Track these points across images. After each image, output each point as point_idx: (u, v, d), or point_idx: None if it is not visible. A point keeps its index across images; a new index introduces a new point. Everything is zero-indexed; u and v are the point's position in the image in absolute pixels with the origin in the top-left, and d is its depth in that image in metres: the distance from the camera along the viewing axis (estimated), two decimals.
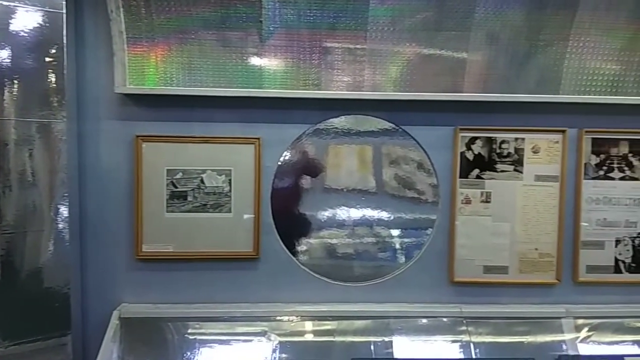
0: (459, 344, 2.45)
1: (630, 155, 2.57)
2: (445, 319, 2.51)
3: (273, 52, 2.34)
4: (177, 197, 2.41)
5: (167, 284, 2.47)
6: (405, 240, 2.58)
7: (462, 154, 2.52)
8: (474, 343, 2.46)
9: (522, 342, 2.48)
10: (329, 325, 2.47)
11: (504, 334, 2.49)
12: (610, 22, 2.35)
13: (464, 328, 2.47)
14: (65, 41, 2.19)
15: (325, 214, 2.52)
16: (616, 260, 2.58)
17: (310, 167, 2.51)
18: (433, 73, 2.41)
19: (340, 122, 2.49)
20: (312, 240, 2.54)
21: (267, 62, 2.36)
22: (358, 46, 2.35)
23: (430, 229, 2.55)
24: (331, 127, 2.49)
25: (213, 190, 2.42)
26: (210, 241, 2.44)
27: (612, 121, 2.55)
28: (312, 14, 2.29)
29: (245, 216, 2.45)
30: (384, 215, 2.55)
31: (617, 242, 2.58)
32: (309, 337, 2.48)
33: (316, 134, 2.49)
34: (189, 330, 2.40)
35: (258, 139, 2.44)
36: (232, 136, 2.43)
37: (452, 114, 2.49)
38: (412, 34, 2.33)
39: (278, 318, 2.46)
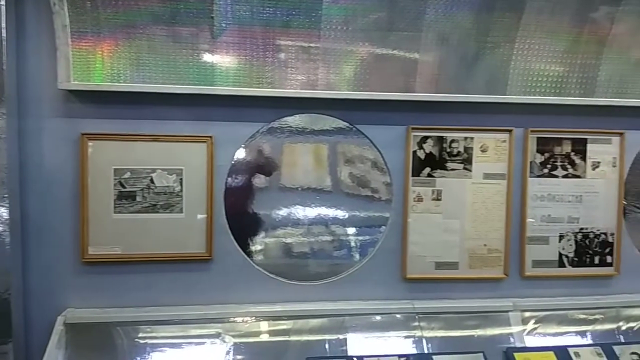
0: (412, 339, 2.49)
1: (572, 153, 2.68)
2: (398, 315, 2.54)
3: (225, 49, 2.30)
4: (125, 198, 2.33)
5: (116, 287, 2.39)
6: (360, 238, 2.60)
7: (414, 152, 2.56)
8: (426, 338, 2.51)
9: (472, 335, 2.55)
10: (284, 325, 2.46)
11: (455, 329, 2.55)
12: (554, 25, 2.44)
13: (416, 324, 2.52)
14: (4, 34, 2.08)
15: (281, 213, 2.51)
16: (560, 254, 2.69)
17: (264, 166, 2.48)
18: (386, 73, 2.44)
19: (294, 120, 2.48)
20: (267, 240, 2.51)
21: (219, 59, 2.32)
22: (312, 45, 2.35)
23: (384, 227, 2.58)
24: (285, 125, 2.48)
25: (163, 190, 2.36)
26: (161, 242, 2.37)
27: (556, 121, 2.66)
28: (265, 11, 2.26)
29: (198, 216, 2.40)
30: (339, 213, 2.56)
31: (561, 237, 2.69)
32: (264, 337, 2.46)
33: (270, 132, 2.47)
34: (139, 335, 2.33)
35: (210, 137, 2.39)
36: (183, 134, 2.37)
37: (404, 114, 2.53)
38: (365, 34, 2.35)
39: (232, 319, 2.42)
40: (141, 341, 2.32)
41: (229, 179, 2.44)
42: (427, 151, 2.57)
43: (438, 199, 2.59)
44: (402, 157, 2.56)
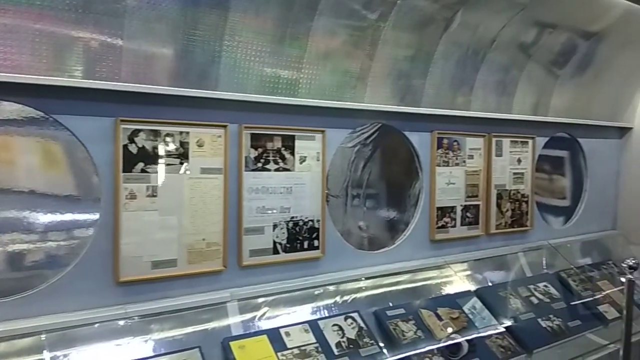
0: (126, 345, 2.33)
1: (283, 149, 2.89)
2: (111, 323, 2.35)
3: None
4: None
5: None
6: (63, 243, 2.32)
7: (125, 147, 2.39)
8: (145, 341, 2.38)
9: (192, 331, 2.52)
10: None
11: (173, 328, 2.48)
12: (260, 25, 2.58)
13: (131, 329, 2.36)
14: None
15: None
16: (274, 242, 2.88)
17: None
18: (88, 58, 2.21)
19: None
20: None
21: None
22: None
23: (92, 229, 2.35)
24: None
25: None
26: None
27: (268, 118, 2.83)
28: None
29: None
30: (36, 217, 2.23)
31: (275, 226, 2.88)
32: None
33: None
34: None
35: None
36: None
37: (112, 105, 2.34)
38: (55, 12, 2.07)
39: None
40: None
41: None
42: (140, 145, 2.44)
43: (154, 196, 2.48)
44: (111, 151, 2.36)
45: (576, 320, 3.61)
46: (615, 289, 3.97)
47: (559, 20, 3.66)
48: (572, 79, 4.22)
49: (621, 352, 2.98)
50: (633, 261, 2.99)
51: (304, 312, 2.88)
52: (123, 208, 2.40)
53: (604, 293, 4.00)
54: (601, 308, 3.82)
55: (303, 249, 3.00)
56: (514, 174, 4.07)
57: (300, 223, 2.98)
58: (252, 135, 2.78)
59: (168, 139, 2.51)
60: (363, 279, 3.20)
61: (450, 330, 3.07)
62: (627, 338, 2.97)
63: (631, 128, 4.95)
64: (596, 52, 4.16)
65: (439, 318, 3.14)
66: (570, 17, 3.69)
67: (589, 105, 4.52)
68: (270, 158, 2.85)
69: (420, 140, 3.54)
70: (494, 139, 3.91)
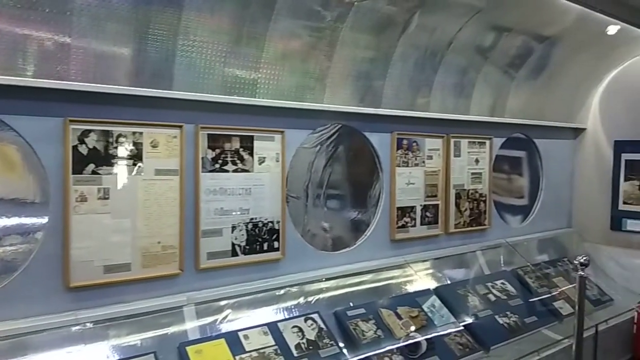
0: (80, 353, 2.25)
1: (241, 149, 2.86)
2: (63, 330, 2.27)
3: None
4: None
5: None
6: (9, 248, 2.23)
7: (74, 147, 2.32)
8: (98, 348, 2.31)
9: (148, 337, 2.46)
10: None
11: (128, 334, 2.42)
12: (215, 24, 2.54)
13: (83, 335, 2.29)
14: None
15: None
16: (233, 244, 2.85)
17: None
18: (34, 56, 2.13)
19: None
20: None
21: None
22: None
23: (40, 233, 2.27)
24: None
25: None
26: None
27: (225, 118, 2.79)
28: None
29: None
30: None
31: (233, 228, 2.85)
32: None
33: None
34: None
35: None
36: None
37: (60, 104, 2.27)
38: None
39: None
40: None
41: None
42: (91, 146, 2.37)
43: (106, 198, 2.41)
44: (60, 152, 2.29)
45: (532, 316, 3.70)
46: (570, 286, 4.10)
47: (514, 23, 3.75)
48: (527, 81, 4.33)
49: (574, 347, 3.06)
50: (584, 258, 3.08)
51: (263, 315, 2.85)
52: (73, 211, 2.32)
53: (559, 290, 4.11)
54: (556, 304, 3.93)
55: (263, 251, 2.97)
56: (472, 174, 4.15)
57: (260, 224, 2.95)
58: (209, 135, 2.74)
59: (121, 139, 2.44)
60: (324, 279, 3.20)
61: (411, 328, 3.10)
62: (579, 333, 3.05)
63: (584, 129, 5.12)
64: (551, 55, 4.28)
65: (399, 317, 3.17)
66: (525, 21, 3.79)
67: (544, 107, 4.65)
68: (229, 159, 2.81)
69: (380, 141, 3.56)
70: (452, 140, 3.97)
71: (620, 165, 4.85)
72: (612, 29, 4.01)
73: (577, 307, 3.07)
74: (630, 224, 4.80)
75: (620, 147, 4.86)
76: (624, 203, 4.83)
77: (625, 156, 4.83)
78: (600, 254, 4.93)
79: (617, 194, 4.87)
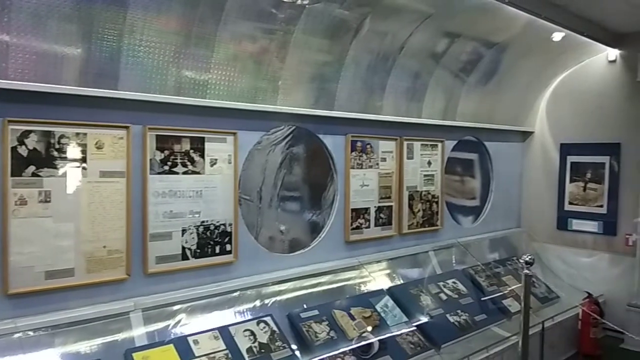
0: None
1: (191, 151, 2.82)
2: (0, 338, 2.17)
3: None
4: None
5: None
6: None
7: (13, 149, 2.23)
8: (39, 357, 2.22)
9: (93, 344, 2.39)
10: None
11: (72, 341, 2.34)
12: (163, 24, 2.50)
13: (22, 344, 2.20)
14: None
15: None
16: (183, 248, 2.80)
17: None
18: None
19: None
20: None
21: None
22: None
23: None
24: None
25: None
26: None
27: (175, 119, 2.74)
28: None
29: None
30: None
31: (184, 231, 2.80)
32: None
33: None
34: None
35: None
36: None
37: None
38: None
39: None
40: None
41: None
42: (31, 147, 2.28)
43: (47, 201, 2.33)
44: None
45: (482, 314, 3.80)
46: (519, 285, 4.21)
47: (464, 30, 3.85)
48: (478, 86, 4.45)
49: (520, 343, 3.16)
50: (529, 257, 3.19)
51: (216, 319, 2.81)
52: (12, 215, 2.23)
53: (509, 288, 4.23)
54: (506, 302, 4.04)
55: (215, 254, 2.94)
56: (425, 175, 4.23)
57: (212, 227, 2.91)
58: (158, 136, 2.68)
59: (63, 140, 2.36)
60: (278, 282, 3.19)
61: (367, 329, 3.13)
62: (525, 330, 3.15)
63: (532, 132, 5.30)
64: (500, 61, 4.42)
65: (352, 318, 3.19)
66: (474, 28, 3.89)
67: (494, 111, 4.79)
68: (179, 161, 2.77)
69: (334, 143, 3.58)
70: (405, 142, 4.04)
71: (566, 167, 5.05)
72: (557, 36, 4.17)
73: (523, 305, 3.17)
74: (576, 224, 5.00)
75: (566, 149, 5.06)
76: (570, 203, 5.03)
77: (570, 158, 5.03)
78: (547, 252, 5.12)
79: (563, 195, 5.06)
